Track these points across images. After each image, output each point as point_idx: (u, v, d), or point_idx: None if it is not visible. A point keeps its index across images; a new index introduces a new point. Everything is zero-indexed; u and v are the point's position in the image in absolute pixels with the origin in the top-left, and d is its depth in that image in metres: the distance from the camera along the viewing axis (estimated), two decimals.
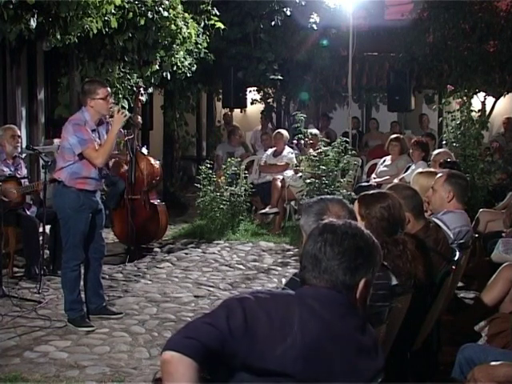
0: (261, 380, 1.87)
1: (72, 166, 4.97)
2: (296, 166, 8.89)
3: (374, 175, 8.80)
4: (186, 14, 8.23)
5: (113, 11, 6.72)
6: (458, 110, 8.87)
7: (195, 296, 5.95)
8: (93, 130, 5.00)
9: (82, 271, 5.24)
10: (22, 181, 6.36)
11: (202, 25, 8.91)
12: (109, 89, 5.11)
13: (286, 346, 1.85)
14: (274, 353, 1.84)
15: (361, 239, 2.02)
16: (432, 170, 5.56)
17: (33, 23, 6.04)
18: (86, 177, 5.00)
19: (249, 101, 11.89)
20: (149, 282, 6.36)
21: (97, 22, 6.55)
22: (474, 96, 10.56)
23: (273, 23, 10.42)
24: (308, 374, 1.87)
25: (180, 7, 8.06)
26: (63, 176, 5.00)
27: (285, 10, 10.41)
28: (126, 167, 7.43)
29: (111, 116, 5.06)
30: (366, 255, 2.01)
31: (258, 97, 12.04)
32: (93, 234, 5.17)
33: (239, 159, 9.23)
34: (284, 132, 9.48)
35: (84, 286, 5.28)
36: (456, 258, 3.78)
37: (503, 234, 5.64)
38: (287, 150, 9.28)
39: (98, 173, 5.07)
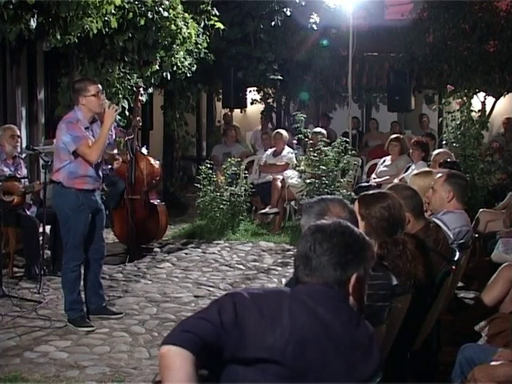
0: (250, 369, 1.90)
1: (69, 165, 4.96)
2: (296, 166, 8.89)
3: (373, 175, 8.80)
4: (186, 14, 8.23)
5: (113, 11, 6.71)
6: (458, 110, 8.87)
7: (195, 296, 5.95)
8: (86, 128, 4.98)
9: (82, 271, 5.24)
10: (22, 181, 6.36)
11: (202, 25, 8.90)
12: (99, 85, 5.07)
13: (276, 335, 1.89)
14: (264, 343, 1.88)
15: (350, 236, 2.08)
16: (427, 169, 5.57)
17: (33, 23, 6.03)
18: (83, 175, 4.98)
19: (249, 101, 11.89)
20: (149, 282, 6.36)
21: (97, 22, 6.55)
22: (474, 96, 10.56)
23: (273, 23, 10.42)
24: (298, 363, 1.90)
25: (180, 7, 8.05)
26: (61, 177, 4.99)
27: (285, 10, 10.41)
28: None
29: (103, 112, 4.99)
30: (356, 251, 2.06)
31: (258, 97, 12.05)
32: (93, 235, 5.16)
33: (239, 159, 9.21)
34: (283, 132, 9.47)
35: (84, 286, 5.27)
36: (456, 258, 3.78)
37: (497, 235, 5.61)
38: (287, 149, 9.27)
39: (95, 171, 5.05)
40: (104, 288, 5.88)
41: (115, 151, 7.62)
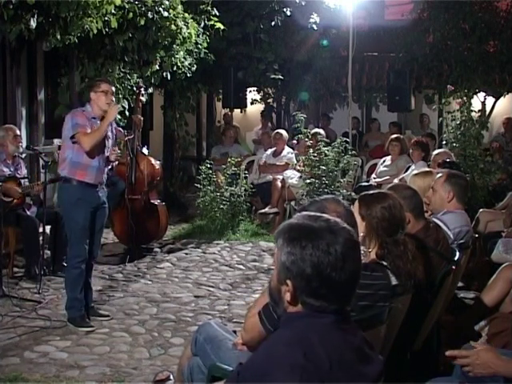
0: None
1: (72, 155, 5.01)
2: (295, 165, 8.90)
3: (374, 175, 8.80)
4: (186, 14, 8.23)
5: (113, 11, 6.71)
6: (458, 110, 8.87)
7: (195, 296, 5.95)
8: (93, 118, 5.05)
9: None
10: (22, 181, 6.36)
11: (202, 25, 8.90)
12: (112, 88, 5.15)
13: None
14: None
15: None
16: (427, 169, 5.58)
17: (33, 23, 6.03)
18: (85, 165, 5.00)
19: (249, 101, 11.89)
20: (149, 282, 6.36)
21: (97, 22, 6.54)
22: (474, 96, 10.56)
23: (273, 23, 10.41)
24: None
25: (180, 7, 8.05)
26: (66, 166, 5.04)
27: (285, 10, 10.40)
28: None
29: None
30: None
31: (258, 97, 12.05)
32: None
33: (239, 159, 9.21)
34: (283, 132, 9.48)
35: None
36: (456, 258, 3.78)
37: (503, 234, 5.62)
38: (287, 149, 9.28)
39: (98, 163, 5.05)
40: (104, 288, 5.89)
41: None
